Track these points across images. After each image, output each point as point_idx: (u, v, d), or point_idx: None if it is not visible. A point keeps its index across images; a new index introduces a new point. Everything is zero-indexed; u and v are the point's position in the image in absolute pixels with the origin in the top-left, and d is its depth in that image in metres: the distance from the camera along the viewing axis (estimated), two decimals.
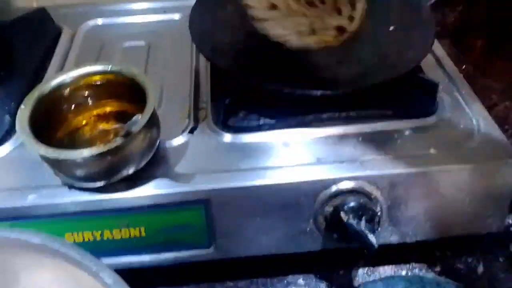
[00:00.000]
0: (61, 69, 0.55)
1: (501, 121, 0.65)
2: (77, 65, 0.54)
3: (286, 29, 0.44)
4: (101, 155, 0.34)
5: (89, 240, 0.41)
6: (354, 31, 0.45)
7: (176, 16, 0.62)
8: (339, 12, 0.45)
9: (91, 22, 0.61)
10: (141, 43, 0.58)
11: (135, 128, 0.34)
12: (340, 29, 0.44)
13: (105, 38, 0.59)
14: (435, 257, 0.49)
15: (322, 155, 0.42)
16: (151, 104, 0.37)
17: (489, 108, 0.67)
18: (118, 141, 0.34)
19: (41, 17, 0.60)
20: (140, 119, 0.36)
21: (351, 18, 0.45)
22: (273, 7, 0.45)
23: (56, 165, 0.36)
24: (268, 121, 0.44)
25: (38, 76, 0.52)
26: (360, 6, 0.44)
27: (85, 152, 0.34)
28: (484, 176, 0.41)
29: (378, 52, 0.48)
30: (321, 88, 0.41)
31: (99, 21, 0.61)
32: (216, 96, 0.48)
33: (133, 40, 0.58)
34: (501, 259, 0.48)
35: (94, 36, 0.59)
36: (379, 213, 0.41)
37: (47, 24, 0.60)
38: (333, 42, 0.44)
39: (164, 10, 0.62)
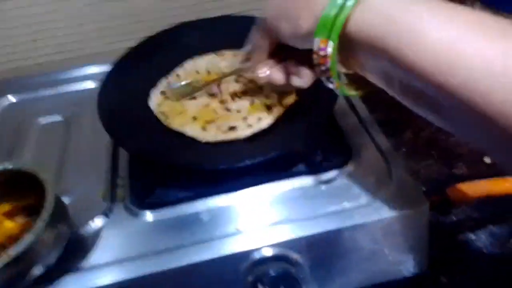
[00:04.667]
0: None
1: (428, 145, 0.69)
2: None
3: (203, 130, 0.47)
4: None
5: None
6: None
7: (94, 84, 0.61)
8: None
9: (4, 101, 0.59)
10: (58, 118, 0.57)
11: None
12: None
13: (20, 116, 0.57)
14: None
15: (240, 223, 0.42)
16: (49, 205, 0.36)
17: (416, 133, 0.71)
18: (11, 254, 0.33)
19: None
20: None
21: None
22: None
23: None
24: (185, 194, 0.44)
25: None
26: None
27: None
28: (398, 224, 0.42)
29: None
30: (229, 162, 0.41)
31: (12, 98, 0.60)
32: (134, 172, 0.47)
33: (50, 115, 0.57)
34: None
35: (8, 115, 0.58)
36: (301, 276, 0.41)
37: None
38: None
39: (82, 79, 0.61)
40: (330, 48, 0.32)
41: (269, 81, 0.42)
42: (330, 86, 0.36)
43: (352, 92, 0.38)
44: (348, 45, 0.32)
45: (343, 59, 0.35)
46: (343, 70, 0.36)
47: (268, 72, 0.42)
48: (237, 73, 0.49)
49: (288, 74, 0.41)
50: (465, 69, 0.26)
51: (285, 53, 0.40)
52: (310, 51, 0.34)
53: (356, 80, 0.37)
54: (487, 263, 0.51)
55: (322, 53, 0.33)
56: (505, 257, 0.51)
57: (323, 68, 0.34)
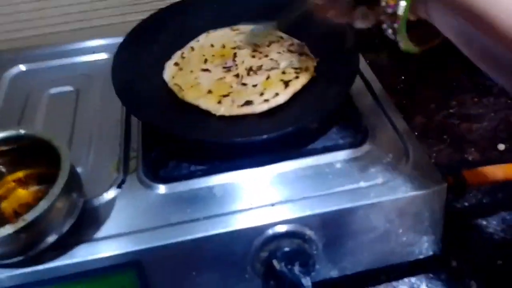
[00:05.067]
0: None
1: (439, 130, 0.68)
2: (0, 118, 0.52)
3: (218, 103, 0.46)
4: (12, 234, 0.32)
5: None
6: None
7: (106, 56, 0.60)
8: None
9: (15, 70, 0.58)
10: (69, 88, 0.56)
11: None
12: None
13: (31, 85, 0.56)
14: (380, 281, 0.49)
15: (254, 199, 0.42)
16: (64, 172, 0.35)
17: (428, 118, 0.70)
18: (27, 218, 0.32)
19: None
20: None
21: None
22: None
23: None
24: (199, 168, 0.44)
25: None
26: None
27: None
28: (414, 205, 0.42)
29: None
30: (245, 136, 0.41)
31: (23, 67, 0.59)
32: (147, 144, 0.46)
33: (61, 86, 0.56)
34: (443, 277, 0.50)
35: (18, 84, 0.57)
36: (315, 252, 0.41)
37: None
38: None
39: (93, 51, 0.60)
40: (401, 8, 0.29)
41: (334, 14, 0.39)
42: (392, 36, 0.33)
43: (414, 48, 0.34)
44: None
45: (411, 8, 0.31)
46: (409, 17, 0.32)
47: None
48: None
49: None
50: None
51: None
52: None
53: (419, 35, 0.34)
54: (497, 249, 0.51)
55: (389, 10, 0.29)
56: None
57: (389, 23, 0.31)
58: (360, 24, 0.37)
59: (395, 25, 0.31)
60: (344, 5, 0.38)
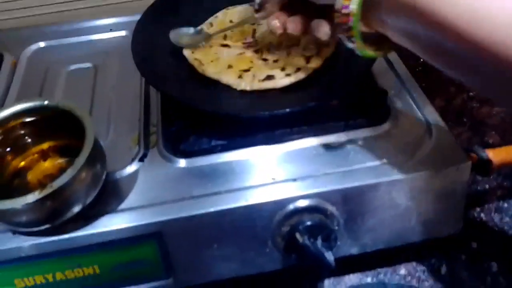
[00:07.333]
0: (4, 99, 0.52)
1: (459, 114, 0.67)
2: (20, 94, 0.53)
3: (239, 78, 0.45)
4: (39, 201, 0.33)
5: (41, 283, 0.39)
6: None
7: (123, 33, 0.60)
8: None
9: (34, 46, 0.58)
10: (88, 65, 0.56)
11: None
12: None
13: (50, 62, 0.56)
14: (400, 261, 0.49)
15: (275, 174, 0.41)
16: (89, 141, 0.35)
17: (448, 101, 0.69)
18: (54, 185, 0.33)
19: None
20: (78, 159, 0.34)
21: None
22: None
23: None
24: (220, 142, 0.43)
25: None
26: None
27: (19, 201, 0.32)
28: (437, 182, 0.41)
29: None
30: (268, 110, 0.40)
31: (42, 44, 0.59)
32: (166, 119, 0.46)
33: (79, 63, 0.56)
34: (463, 257, 0.49)
35: (37, 61, 0.57)
36: (336, 228, 0.41)
37: None
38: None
39: (110, 28, 0.60)
40: (354, 6, 0.32)
41: (284, 31, 0.42)
42: (350, 45, 0.36)
43: (372, 53, 0.37)
44: (371, 2, 0.32)
45: (363, 18, 0.34)
46: (362, 29, 0.35)
47: (279, 22, 0.42)
48: (248, 22, 0.49)
49: (305, 26, 0.40)
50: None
51: (299, 7, 0.40)
52: (326, 6, 0.34)
53: (374, 41, 0.36)
54: None
55: (344, 11, 0.32)
56: None
57: (344, 27, 0.33)
58: (319, 34, 0.39)
59: (352, 39, 0.34)
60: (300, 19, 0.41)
